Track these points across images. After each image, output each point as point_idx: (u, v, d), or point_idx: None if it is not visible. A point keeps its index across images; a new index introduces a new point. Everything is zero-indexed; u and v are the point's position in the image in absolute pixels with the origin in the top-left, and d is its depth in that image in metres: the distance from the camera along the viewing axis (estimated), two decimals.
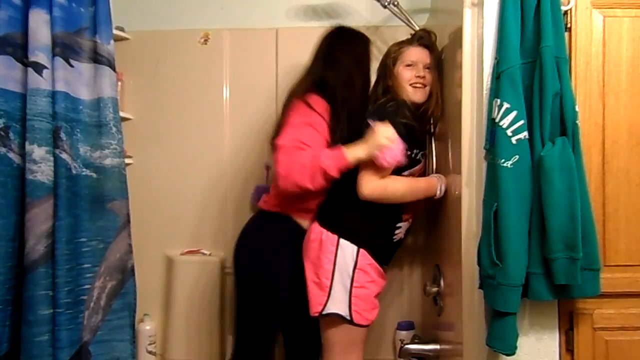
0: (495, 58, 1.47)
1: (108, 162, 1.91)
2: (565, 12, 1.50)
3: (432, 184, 1.77)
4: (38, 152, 1.76)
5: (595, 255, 1.42)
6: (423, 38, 1.86)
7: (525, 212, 1.41)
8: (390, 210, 1.77)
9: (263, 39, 2.19)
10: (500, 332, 1.44)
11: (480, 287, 1.49)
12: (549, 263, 1.39)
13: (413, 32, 1.99)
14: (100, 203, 1.90)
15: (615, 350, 1.53)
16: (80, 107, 1.88)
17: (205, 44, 2.37)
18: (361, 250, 1.73)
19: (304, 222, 1.85)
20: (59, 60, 1.82)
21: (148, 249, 2.30)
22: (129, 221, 1.96)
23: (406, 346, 1.94)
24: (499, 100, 1.42)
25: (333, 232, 1.74)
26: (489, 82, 1.51)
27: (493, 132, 1.44)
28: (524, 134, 1.40)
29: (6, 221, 1.77)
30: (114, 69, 1.92)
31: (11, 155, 1.80)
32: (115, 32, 2.09)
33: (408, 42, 1.87)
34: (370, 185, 1.68)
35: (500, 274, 1.39)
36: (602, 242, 1.50)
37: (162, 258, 2.35)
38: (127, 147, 2.08)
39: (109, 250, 1.91)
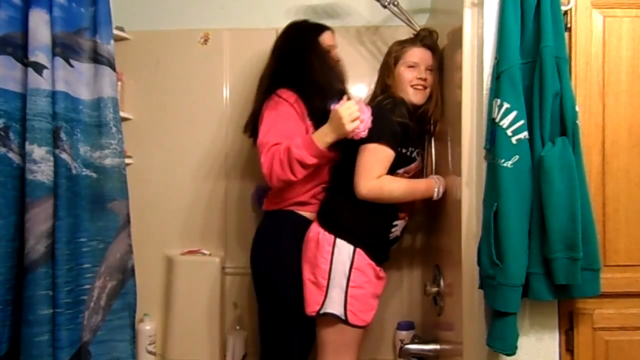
0: (495, 58, 1.47)
1: (108, 162, 1.91)
2: (565, 12, 1.50)
3: (431, 186, 1.77)
4: (38, 152, 1.76)
5: (595, 255, 1.42)
6: (426, 38, 1.86)
7: (526, 212, 1.41)
8: (387, 208, 1.77)
9: (263, 39, 2.19)
10: (501, 332, 1.44)
11: (480, 287, 1.49)
12: (549, 263, 1.39)
13: (414, 32, 1.99)
14: (101, 203, 1.90)
15: (615, 350, 1.53)
16: (80, 107, 1.88)
17: (205, 44, 2.36)
18: (357, 249, 1.73)
19: (305, 214, 1.89)
20: (59, 60, 1.82)
21: (148, 249, 2.30)
22: (129, 221, 1.96)
23: (406, 346, 1.94)
24: (499, 100, 1.42)
25: (330, 231, 1.75)
26: (489, 82, 1.51)
27: (493, 132, 1.44)
28: (524, 134, 1.40)
29: (6, 221, 1.77)
30: (114, 69, 1.92)
31: (11, 155, 1.80)
32: (115, 32, 2.09)
33: (411, 42, 1.86)
34: (367, 185, 1.69)
35: (500, 274, 1.39)
36: (602, 242, 1.51)
37: (162, 258, 2.35)
38: (127, 147, 2.08)
39: (109, 250, 1.91)
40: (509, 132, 1.40)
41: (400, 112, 1.73)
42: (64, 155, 1.81)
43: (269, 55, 2.01)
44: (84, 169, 1.87)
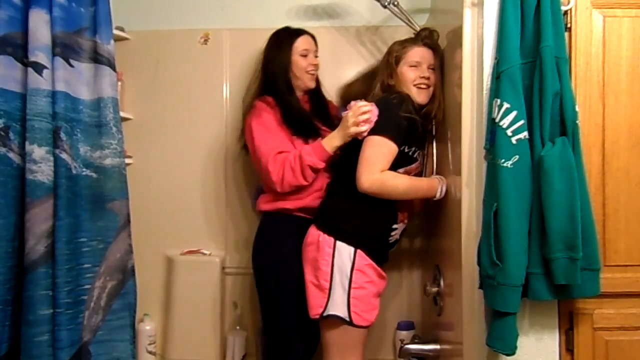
0: (495, 58, 1.47)
1: (108, 162, 1.91)
2: (565, 12, 1.50)
3: (433, 185, 1.76)
4: (38, 152, 1.76)
5: (595, 255, 1.42)
6: (427, 38, 1.85)
7: (525, 212, 1.41)
8: (387, 210, 1.77)
9: (263, 39, 2.18)
10: (500, 332, 1.44)
11: (480, 287, 1.49)
12: (549, 263, 1.39)
13: (414, 32, 1.99)
14: (101, 203, 1.90)
15: (615, 350, 1.53)
16: (80, 107, 1.88)
17: (205, 44, 2.36)
18: (358, 251, 1.72)
19: (300, 213, 1.93)
20: (59, 60, 1.82)
21: (148, 249, 2.30)
22: (129, 221, 1.96)
23: (406, 346, 1.94)
24: (499, 100, 1.42)
25: (329, 234, 1.74)
26: (489, 82, 1.51)
27: (493, 132, 1.44)
28: (524, 134, 1.40)
29: (6, 221, 1.77)
30: (114, 69, 1.92)
31: (11, 155, 1.80)
32: (115, 32, 2.09)
33: (412, 42, 1.85)
34: (370, 178, 1.67)
35: (500, 274, 1.39)
36: (602, 242, 1.51)
37: (162, 258, 2.35)
38: (127, 147, 2.08)
39: (109, 250, 1.91)
40: (508, 132, 1.40)
41: (407, 108, 1.72)
42: (64, 155, 1.81)
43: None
44: (84, 169, 1.87)
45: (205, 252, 2.34)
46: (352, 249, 1.72)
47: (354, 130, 1.73)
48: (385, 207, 1.75)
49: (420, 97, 1.81)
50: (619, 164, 1.53)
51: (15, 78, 1.80)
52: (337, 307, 1.70)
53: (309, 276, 1.76)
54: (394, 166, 1.73)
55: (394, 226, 1.80)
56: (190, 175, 2.36)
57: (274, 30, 2.08)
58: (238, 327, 2.31)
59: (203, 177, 2.36)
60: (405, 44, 1.85)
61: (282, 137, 1.91)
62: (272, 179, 1.86)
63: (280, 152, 1.87)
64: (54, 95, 1.80)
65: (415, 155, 1.79)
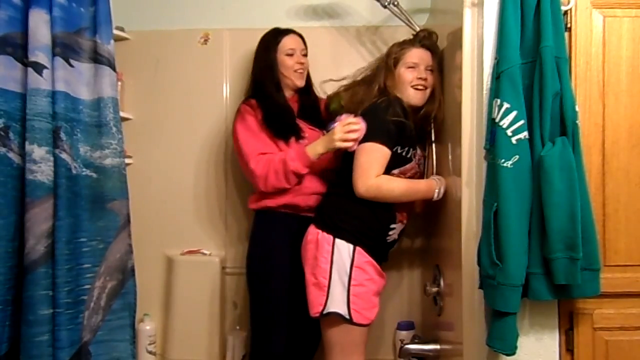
0: (495, 58, 1.47)
1: (108, 162, 1.91)
2: (565, 12, 1.50)
3: (431, 186, 1.77)
4: (38, 152, 1.76)
5: (595, 255, 1.42)
6: (425, 39, 1.86)
7: (525, 212, 1.41)
8: (385, 211, 1.78)
9: None
10: (500, 332, 1.44)
11: (480, 287, 1.49)
12: (549, 263, 1.39)
13: (414, 32, 1.99)
14: (100, 203, 1.89)
15: (615, 350, 1.53)
16: (80, 107, 1.88)
17: (205, 44, 2.36)
18: (357, 248, 1.73)
19: (285, 209, 1.98)
20: (59, 60, 1.81)
21: (148, 249, 2.29)
22: (129, 221, 1.96)
23: (406, 346, 1.94)
24: (499, 100, 1.42)
25: (329, 232, 1.75)
26: (489, 82, 1.51)
27: (493, 132, 1.44)
28: (524, 134, 1.40)
29: (6, 221, 1.77)
30: (114, 69, 1.92)
31: (11, 155, 1.79)
32: (115, 32, 2.09)
33: (410, 43, 1.86)
34: (366, 184, 1.69)
35: (500, 274, 1.39)
36: (602, 242, 1.51)
37: (162, 258, 2.35)
38: (127, 147, 2.08)
39: (109, 250, 1.91)
40: (509, 132, 1.40)
41: (394, 111, 1.73)
42: (64, 155, 1.81)
43: None
44: (84, 169, 1.87)
45: (205, 252, 2.34)
46: (351, 246, 1.72)
47: (339, 144, 1.77)
48: (384, 207, 1.77)
49: (416, 98, 1.82)
50: (619, 164, 1.53)
51: (15, 78, 1.80)
52: (337, 305, 1.70)
53: (308, 276, 1.77)
54: (389, 168, 1.74)
55: (392, 226, 1.81)
56: (190, 176, 2.36)
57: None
58: (238, 327, 2.31)
59: (203, 177, 2.36)
60: (403, 45, 1.87)
61: (264, 138, 1.97)
62: (255, 178, 1.93)
63: (262, 154, 1.93)
64: (54, 95, 1.80)
65: (409, 156, 1.80)
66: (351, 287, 1.70)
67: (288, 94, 2.07)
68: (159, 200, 2.36)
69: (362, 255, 1.73)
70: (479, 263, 1.47)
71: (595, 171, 1.52)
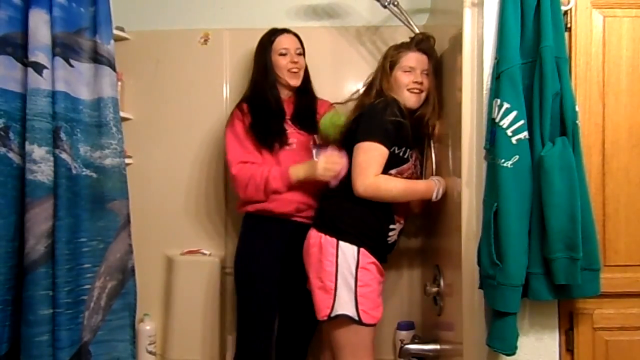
0: (495, 58, 1.47)
1: (108, 162, 1.91)
2: (565, 12, 1.50)
3: (430, 187, 1.77)
4: (38, 152, 1.76)
5: (595, 255, 1.42)
6: (422, 43, 1.87)
7: (525, 212, 1.41)
8: (384, 212, 1.79)
9: None
10: (501, 332, 1.44)
11: (480, 287, 1.49)
12: (549, 263, 1.39)
13: (413, 34, 2.00)
14: (100, 203, 1.89)
15: (615, 350, 1.53)
16: (80, 107, 1.88)
17: (205, 44, 2.36)
18: (361, 249, 1.73)
19: (261, 214, 2.02)
20: (59, 60, 1.81)
21: (148, 249, 2.29)
22: (129, 221, 1.96)
23: (406, 346, 1.94)
24: (499, 100, 1.42)
25: (332, 235, 1.75)
26: (489, 82, 1.51)
27: (493, 132, 1.44)
28: (524, 134, 1.40)
29: (6, 221, 1.77)
30: (114, 69, 1.92)
31: (11, 155, 1.79)
32: (115, 32, 2.09)
33: (406, 47, 1.87)
34: (364, 183, 1.70)
35: (500, 274, 1.39)
36: (602, 242, 1.51)
37: (162, 258, 2.35)
38: (127, 147, 2.08)
39: (109, 250, 1.91)
40: (509, 132, 1.40)
41: (391, 111, 1.74)
42: (64, 155, 1.81)
43: None
44: (84, 169, 1.87)
45: (205, 252, 2.34)
46: (355, 247, 1.73)
47: (320, 175, 1.83)
48: (382, 208, 1.78)
49: (411, 101, 1.83)
50: (619, 164, 1.53)
51: (15, 78, 1.80)
52: (345, 307, 1.70)
53: (313, 280, 1.77)
54: (386, 167, 1.75)
55: (391, 227, 1.82)
56: (190, 175, 2.36)
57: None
58: None
59: (203, 177, 2.36)
60: (400, 49, 1.88)
61: (248, 146, 2.00)
62: (235, 185, 1.99)
63: (244, 162, 1.97)
64: (54, 95, 1.80)
65: (406, 156, 1.81)
66: (358, 289, 1.71)
67: (284, 94, 2.07)
68: (159, 200, 2.36)
69: (366, 256, 1.74)
70: (479, 263, 1.47)
71: (595, 171, 1.52)
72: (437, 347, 1.90)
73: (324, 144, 1.98)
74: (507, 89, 1.42)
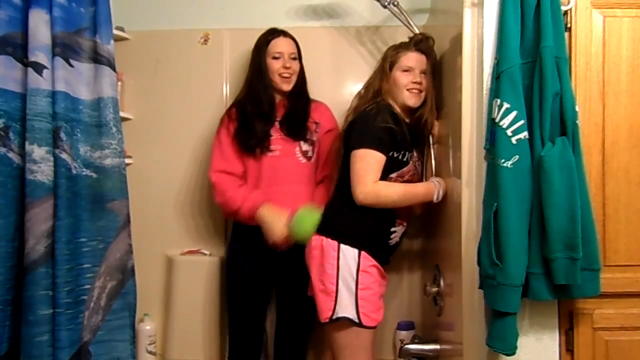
0: (495, 58, 1.47)
1: (108, 162, 1.91)
2: (565, 12, 1.50)
3: (430, 189, 1.77)
4: (38, 152, 1.76)
5: (595, 255, 1.42)
6: (420, 43, 1.87)
7: (525, 212, 1.41)
8: (385, 215, 1.79)
9: None
10: (500, 332, 1.44)
11: (480, 287, 1.49)
12: (549, 263, 1.39)
13: (412, 34, 2.00)
14: (100, 203, 1.90)
15: (615, 350, 1.53)
16: (80, 107, 1.88)
17: (205, 44, 2.36)
18: (362, 252, 1.74)
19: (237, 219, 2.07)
20: (59, 60, 1.82)
21: (148, 249, 2.29)
22: (129, 221, 1.96)
23: (406, 346, 1.94)
24: (499, 100, 1.42)
25: (333, 238, 1.76)
26: (489, 82, 1.51)
27: (493, 132, 1.44)
28: (524, 134, 1.40)
29: (6, 221, 1.77)
30: (114, 69, 1.92)
31: (11, 155, 1.80)
32: (115, 32, 2.09)
33: (405, 47, 1.87)
34: (364, 191, 1.70)
35: (500, 274, 1.39)
36: (602, 242, 1.51)
37: (162, 258, 2.35)
38: (127, 147, 2.08)
39: (109, 250, 1.91)
40: (508, 132, 1.40)
41: (382, 118, 1.74)
42: (64, 155, 1.81)
43: None
44: (84, 169, 1.87)
45: (205, 252, 2.34)
46: (356, 250, 1.73)
47: (272, 240, 1.92)
48: (382, 210, 1.78)
49: (411, 100, 1.83)
50: (619, 164, 1.53)
51: (15, 78, 1.80)
52: (346, 309, 1.70)
53: (315, 282, 1.77)
54: (386, 172, 1.75)
55: (393, 229, 1.82)
56: (190, 175, 2.36)
57: None
58: None
59: (203, 177, 2.36)
60: (399, 49, 1.88)
61: (230, 154, 2.03)
62: (214, 194, 2.05)
63: (222, 171, 2.02)
64: (54, 95, 1.80)
65: (405, 159, 1.81)
66: (358, 292, 1.71)
67: (277, 97, 2.07)
68: (159, 200, 2.36)
69: (367, 259, 1.74)
70: (479, 263, 1.47)
71: (595, 171, 1.52)
72: (437, 347, 1.90)
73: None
74: (507, 89, 1.42)
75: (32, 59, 1.78)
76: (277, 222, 1.92)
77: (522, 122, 1.40)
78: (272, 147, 2.01)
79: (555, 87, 1.40)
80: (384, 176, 1.75)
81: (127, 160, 2.17)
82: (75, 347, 1.81)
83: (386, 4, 2.06)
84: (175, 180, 2.36)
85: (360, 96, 1.92)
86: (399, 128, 1.77)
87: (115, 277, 1.92)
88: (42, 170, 1.76)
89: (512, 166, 1.39)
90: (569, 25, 1.52)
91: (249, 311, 2.08)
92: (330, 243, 1.75)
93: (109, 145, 1.91)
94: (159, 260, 2.35)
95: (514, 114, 1.40)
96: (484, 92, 1.52)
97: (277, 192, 1.99)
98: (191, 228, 2.37)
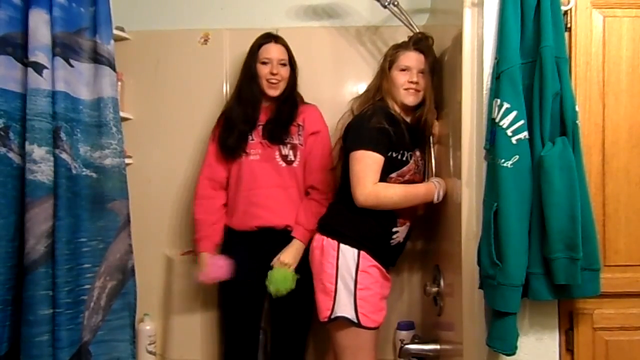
0: (495, 58, 1.47)
1: (108, 162, 1.91)
2: (565, 12, 1.50)
3: (431, 190, 1.77)
4: (38, 152, 1.76)
5: (595, 255, 1.42)
6: (419, 42, 1.87)
7: (525, 212, 1.41)
8: (385, 215, 1.78)
9: None
10: (501, 332, 1.44)
11: (480, 287, 1.49)
12: (549, 263, 1.39)
13: (412, 33, 2.00)
14: (100, 203, 1.89)
15: (615, 350, 1.53)
16: (80, 107, 1.88)
17: (205, 44, 2.36)
18: (362, 252, 1.74)
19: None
20: (59, 60, 1.81)
21: (148, 249, 2.30)
22: (129, 221, 1.96)
23: (406, 346, 1.94)
24: (499, 100, 1.42)
25: (333, 238, 1.76)
26: (489, 82, 1.51)
27: (493, 132, 1.44)
28: (524, 134, 1.40)
29: (6, 221, 1.77)
30: (114, 69, 1.92)
31: (11, 155, 1.80)
32: (115, 32, 2.09)
33: (404, 46, 1.88)
34: (364, 193, 1.70)
35: (500, 274, 1.39)
36: (602, 242, 1.51)
37: (162, 258, 2.35)
38: (127, 147, 2.08)
39: (109, 250, 1.91)
40: (509, 132, 1.40)
41: (377, 119, 1.74)
42: (64, 155, 1.81)
43: None
44: (84, 169, 1.87)
45: None
46: (355, 250, 1.73)
47: (197, 277, 2.05)
48: (384, 212, 1.77)
49: (407, 99, 1.83)
50: (619, 164, 1.53)
51: (15, 78, 1.80)
52: (344, 309, 1.70)
53: (315, 282, 1.78)
54: (387, 172, 1.75)
55: (394, 229, 1.82)
56: (190, 175, 2.36)
57: (273, 30, 2.09)
58: None
59: None
60: (398, 48, 1.88)
61: (211, 159, 2.11)
62: (195, 195, 2.14)
63: (204, 177, 2.11)
64: (54, 95, 1.80)
65: (404, 159, 1.80)
66: (357, 291, 1.71)
67: (265, 102, 2.09)
68: (159, 200, 2.36)
69: (367, 260, 1.74)
70: (479, 263, 1.47)
71: (595, 171, 1.52)
72: (437, 347, 1.90)
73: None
74: (507, 89, 1.41)
75: (32, 59, 1.78)
76: (204, 268, 2.03)
77: (522, 122, 1.40)
78: (252, 151, 2.04)
79: (555, 87, 1.40)
80: (384, 176, 1.75)
81: (127, 160, 2.17)
82: (75, 347, 1.81)
83: (386, 4, 2.06)
84: (175, 180, 2.36)
85: (360, 98, 1.92)
86: (395, 128, 1.76)
87: (115, 277, 1.92)
88: (42, 170, 1.76)
89: (512, 166, 1.39)
90: (569, 25, 1.52)
91: (242, 311, 2.08)
92: (330, 243, 1.76)
93: (109, 145, 1.91)
94: (159, 260, 2.35)
95: (514, 114, 1.40)
96: (484, 92, 1.52)
97: (257, 196, 2.01)
98: (191, 228, 2.36)
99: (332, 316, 1.71)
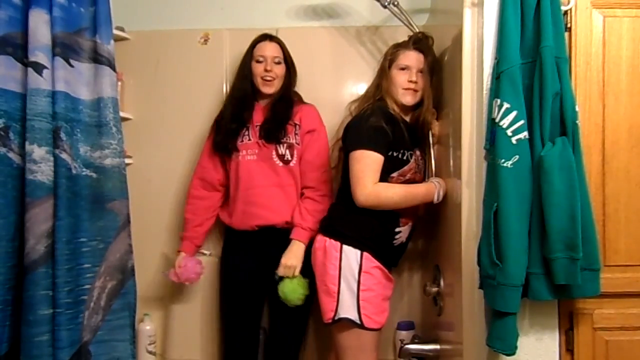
0: (495, 58, 1.47)
1: (108, 162, 1.91)
2: (565, 12, 1.50)
3: (431, 190, 1.77)
4: (38, 152, 1.76)
5: (595, 255, 1.42)
6: (419, 42, 1.87)
7: (525, 212, 1.41)
8: (388, 215, 1.78)
9: None
10: (500, 332, 1.44)
11: (480, 287, 1.49)
12: (549, 263, 1.39)
13: (412, 33, 2.00)
14: (100, 203, 1.89)
15: (615, 350, 1.53)
16: (80, 107, 1.88)
17: (205, 44, 2.36)
18: (365, 253, 1.74)
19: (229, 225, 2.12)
20: (59, 60, 1.81)
21: (148, 249, 2.30)
22: (129, 221, 1.96)
23: (406, 346, 1.94)
24: (499, 100, 1.42)
25: (336, 239, 1.76)
26: (489, 82, 1.51)
27: (493, 132, 1.44)
28: (524, 134, 1.40)
29: (6, 221, 1.77)
30: (114, 69, 1.92)
31: (11, 155, 1.79)
32: (115, 32, 2.09)
33: (404, 46, 1.88)
34: (364, 193, 1.70)
35: (500, 274, 1.39)
36: (602, 242, 1.51)
37: (162, 258, 2.35)
38: (127, 147, 2.08)
39: (109, 250, 1.91)
40: (509, 132, 1.40)
41: (376, 118, 1.75)
42: (64, 155, 1.81)
43: None
44: (84, 169, 1.87)
45: (205, 252, 2.33)
46: (358, 252, 1.73)
47: (169, 274, 2.11)
48: (386, 212, 1.77)
49: (405, 98, 1.84)
50: (619, 164, 1.53)
51: (15, 78, 1.80)
52: (347, 310, 1.71)
53: (318, 283, 1.79)
54: (387, 171, 1.75)
55: (397, 229, 1.82)
56: (190, 175, 2.35)
57: (273, 30, 2.09)
58: None
59: None
60: (398, 47, 1.89)
61: (205, 160, 2.14)
62: (188, 193, 2.19)
63: (197, 177, 2.16)
64: (54, 95, 1.80)
65: (405, 158, 1.80)
66: (360, 293, 1.71)
67: (262, 101, 2.09)
68: (159, 200, 2.36)
69: (370, 261, 1.74)
70: (479, 263, 1.47)
71: (595, 171, 1.52)
72: (437, 347, 1.90)
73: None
74: (507, 89, 1.42)
75: (32, 59, 1.78)
76: (178, 269, 2.09)
77: (522, 122, 1.40)
78: (248, 150, 2.04)
79: (555, 87, 1.40)
80: (385, 176, 1.75)
81: (127, 160, 2.18)
82: (75, 347, 1.81)
83: (386, 4, 2.06)
84: (175, 181, 2.36)
85: (360, 98, 1.92)
86: (394, 127, 1.76)
87: (115, 277, 1.92)
88: (42, 170, 1.76)
89: (512, 166, 1.39)
90: (569, 25, 1.52)
91: (241, 311, 2.08)
92: (333, 244, 1.75)
93: (109, 145, 1.91)
94: (159, 260, 2.35)
95: (514, 114, 1.40)
96: (484, 92, 1.52)
97: (255, 195, 2.02)
98: None
99: (336, 318, 1.72)
